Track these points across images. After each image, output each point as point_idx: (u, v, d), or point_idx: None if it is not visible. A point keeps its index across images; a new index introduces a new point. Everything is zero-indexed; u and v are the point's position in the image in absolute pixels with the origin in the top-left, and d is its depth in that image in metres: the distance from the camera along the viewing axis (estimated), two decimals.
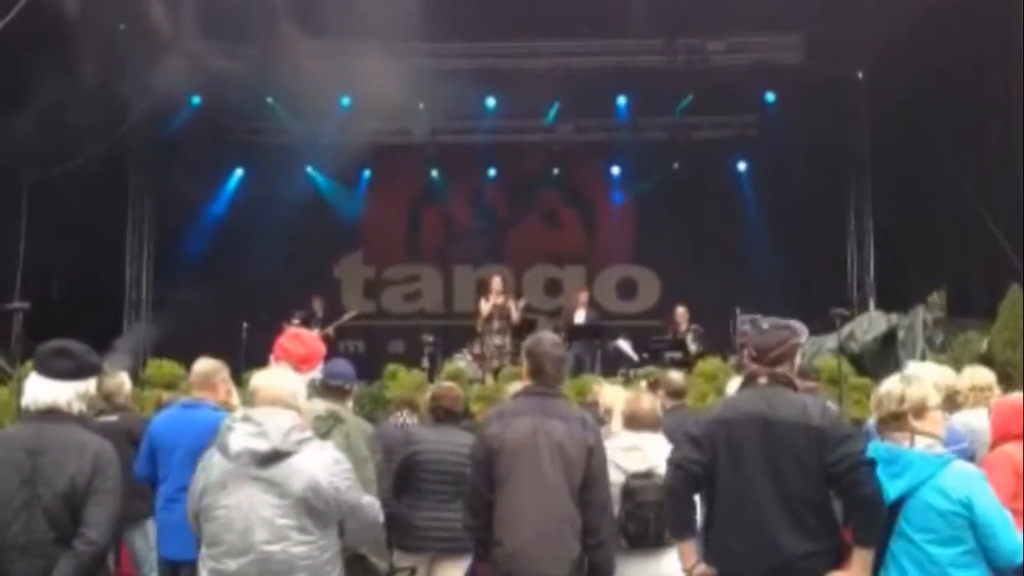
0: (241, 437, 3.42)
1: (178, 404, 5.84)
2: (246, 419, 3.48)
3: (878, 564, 3.46)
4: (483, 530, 4.42)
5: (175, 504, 5.33)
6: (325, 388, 4.95)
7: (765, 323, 3.94)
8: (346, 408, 4.96)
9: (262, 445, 3.39)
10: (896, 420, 3.56)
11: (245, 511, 3.37)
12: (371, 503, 3.62)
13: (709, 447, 3.73)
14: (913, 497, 3.45)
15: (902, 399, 3.56)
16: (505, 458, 4.35)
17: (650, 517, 4.68)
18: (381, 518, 3.71)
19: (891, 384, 3.64)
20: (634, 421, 4.97)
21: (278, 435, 3.40)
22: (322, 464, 3.43)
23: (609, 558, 4.40)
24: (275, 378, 3.70)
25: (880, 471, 3.49)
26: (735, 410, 3.81)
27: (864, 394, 9.11)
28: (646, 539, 4.69)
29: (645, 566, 4.70)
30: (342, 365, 5.35)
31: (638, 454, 4.80)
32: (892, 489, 3.47)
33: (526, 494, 4.30)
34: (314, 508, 3.39)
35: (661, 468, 4.74)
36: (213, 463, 3.49)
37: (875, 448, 3.57)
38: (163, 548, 5.61)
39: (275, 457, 3.39)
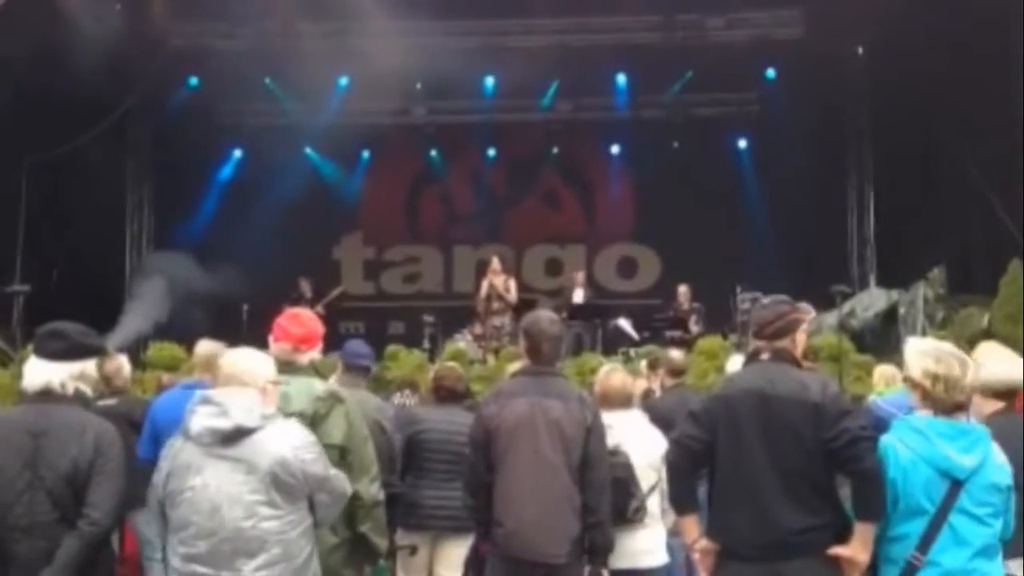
0: (202, 418, 3.41)
1: (179, 385, 5.86)
2: (206, 401, 3.46)
3: (930, 539, 3.43)
4: (483, 510, 4.44)
5: None
6: (349, 368, 5.14)
7: (766, 299, 3.91)
8: (363, 387, 5.07)
9: (224, 423, 3.37)
10: (967, 397, 3.55)
11: (212, 491, 3.35)
12: (337, 475, 3.61)
13: (708, 423, 3.71)
14: (979, 473, 3.46)
15: (968, 376, 3.54)
16: (503, 438, 4.35)
17: (613, 495, 4.63)
18: (350, 490, 3.69)
19: (952, 360, 3.55)
20: (605, 399, 4.96)
21: (240, 413, 3.38)
22: (286, 438, 3.42)
23: (609, 537, 4.41)
24: (236, 358, 3.67)
25: (945, 446, 3.46)
26: (735, 387, 3.79)
27: (865, 371, 9.13)
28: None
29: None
30: (361, 345, 5.55)
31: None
32: (965, 463, 3.44)
33: (525, 474, 4.30)
34: (283, 483, 3.37)
35: (626, 446, 4.76)
36: (176, 448, 3.47)
37: (936, 423, 3.51)
38: None
39: (238, 434, 3.37)
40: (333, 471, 3.58)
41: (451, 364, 6.76)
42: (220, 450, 3.38)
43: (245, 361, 3.63)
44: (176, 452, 3.47)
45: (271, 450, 3.37)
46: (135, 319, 12.72)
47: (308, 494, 3.46)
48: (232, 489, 3.34)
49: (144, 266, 14.85)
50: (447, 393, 5.86)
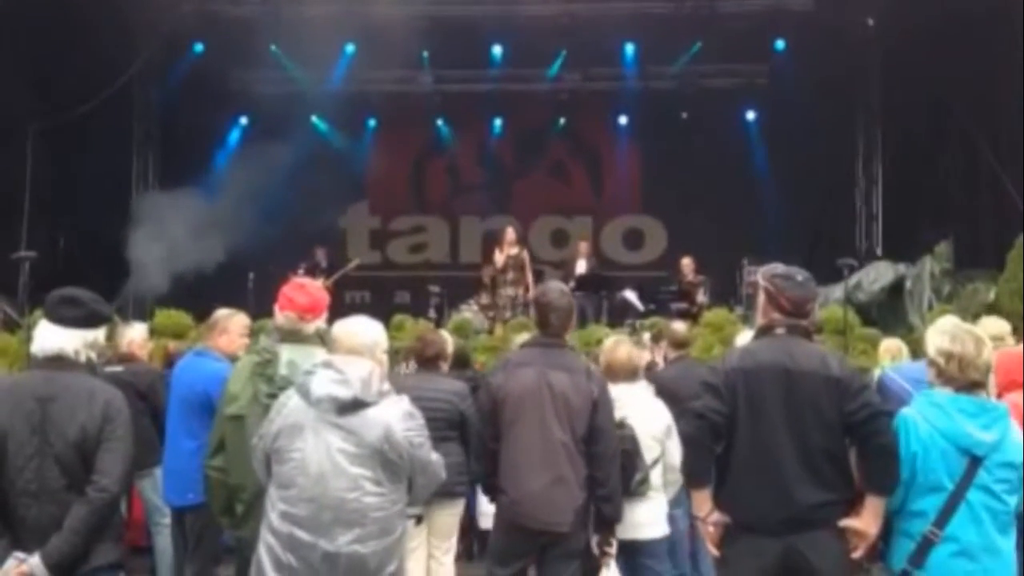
0: (324, 383, 3.42)
1: (191, 352, 5.87)
2: (327, 365, 3.48)
3: (948, 515, 3.46)
4: (490, 477, 4.49)
5: (171, 451, 5.46)
6: None
7: (799, 275, 3.83)
8: None
9: (344, 393, 3.39)
10: (983, 376, 3.57)
11: (321, 457, 3.38)
12: (439, 460, 3.65)
13: (729, 396, 3.67)
14: (997, 450, 3.48)
15: (983, 355, 3.56)
16: (509, 408, 4.39)
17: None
18: (444, 476, 3.72)
19: (967, 339, 3.57)
20: (611, 372, 4.95)
21: (360, 384, 3.41)
22: (397, 417, 3.45)
23: (618, 509, 4.44)
24: (355, 327, 3.69)
25: (967, 423, 3.48)
26: (755, 360, 3.74)
27: (870, 344, 9.13)
28: None
29: None
30: None
31: None
32: (986, 439, 3.46)
33: (530, 444, 4.34)
34: (388, 460, 3.40)
35: (631, 419, 4.76)
36: (290, 406, 3.49)
37: (958, 399, 3.52)
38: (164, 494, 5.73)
39: (355, 406, 3.40)
40: (435, 456, 3.62)
41: (431, 329, 6.76)
42: (334, 417, 3.40)
43: (362, 333, 3.65)
44: (290, 410, 3.48)
45: (382, 428, 3.40)
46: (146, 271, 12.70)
47: (410, 475, 3.50)
48: (340, 459, 3.38)
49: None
50: (421, 359, 5.86)
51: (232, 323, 5.54)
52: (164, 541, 6.09)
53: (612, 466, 4.39)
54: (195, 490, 4.49)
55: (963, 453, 3.47)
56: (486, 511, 6.08)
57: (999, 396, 4.80)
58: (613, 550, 4.48)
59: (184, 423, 5.29)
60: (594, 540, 4.45)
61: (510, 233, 13.17)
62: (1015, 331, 8.30)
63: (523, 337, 5.23)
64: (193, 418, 5.15)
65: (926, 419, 3.53)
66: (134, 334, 6.58)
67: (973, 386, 3.55)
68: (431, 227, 18.30)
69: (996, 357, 5.15)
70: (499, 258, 12.93)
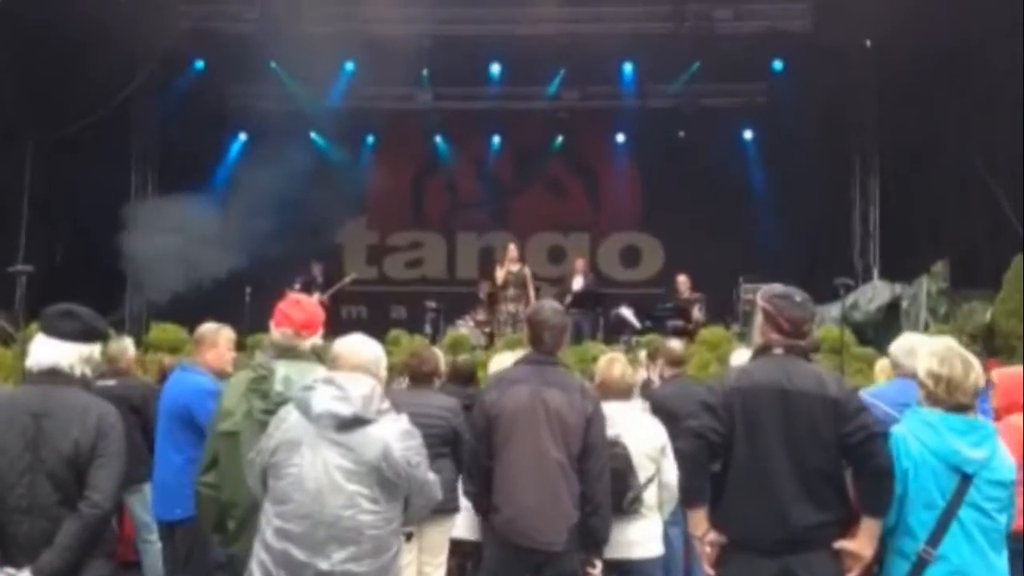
0: (324, 399, 3.40)
1: (179, 367, 5.87)
2: (328, 381, 3.47)
3: (940, 533, 3.46)
4: (483, 496, 4.46)
5: (160, 466, 5.46)
6: None
7: (798, 295, 3.83)
8: None
9: (345, 409, 3.38)
10: (970, 399, 3.58)
11: (318, 473, 3.36)
12: (436, 481, 3.63)
13: (727, 416, 3.66)
14: (986, 468, 3.49)
15: (971, 378, 3.57)
16: (503, 425, 4.37)
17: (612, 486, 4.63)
18: (440, 496, 3.70)
19: (956, 362, 3.58)
20: (605, 390, 4.93)
21: (360, 401, 3.40)
22: (396, 436, 3.43)
23: (606, 525, 4.42)
24: (358, 344, 3.68)
25: (956, 441, 3.49)
26: (752, 379, 3.73)
27: (866, 364, 9.12)
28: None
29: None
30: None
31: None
32: (975, 457, 3.48)
33: (524, 462, 4.32)
34: (385, 479, 3.38)
35: (625, 437, 4.76)
36: (290, 421, 3.47)
37: (948, 418, 3.54)
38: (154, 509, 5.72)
39: (355, 423, 3.38)
40: (432, 476, 3.60)
41: (425, 346, 6.74)
42: (333, 434, 3.38)
43: (366, 351, 3.66)
44: (289, 425, 3.47)
45: (381, 445, 3.38)
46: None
47: (406, 494, 3.48)
48: (337, 476, 3.36)
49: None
50: (415, 375, 5.86)
51: (221, 337, 5.53)
52: (152, 558, 6.07)
53: (600, 483, 4.37)
54: (183, 505, 4.48)
55: (953, 471, 3.48)
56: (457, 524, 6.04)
57: (998, 418, 4.81)
58: (597, 571, 4.45)
59: (171, 438, 5.30)
60: (579, 559, 4.41)
61: (512, 250, 13.22)
62: (1011, 351, 8.31)
63: (505, 356, 5.20)
64: (179, 433, 5.17)
65: (917, 437, 3.54)
66: (130, 349, 6.57)
67: (960, 409, 3.56)
68: (428, 243, 18.33)
69: (996, 378, 5.17)
70: (500, 274, 12.97)
